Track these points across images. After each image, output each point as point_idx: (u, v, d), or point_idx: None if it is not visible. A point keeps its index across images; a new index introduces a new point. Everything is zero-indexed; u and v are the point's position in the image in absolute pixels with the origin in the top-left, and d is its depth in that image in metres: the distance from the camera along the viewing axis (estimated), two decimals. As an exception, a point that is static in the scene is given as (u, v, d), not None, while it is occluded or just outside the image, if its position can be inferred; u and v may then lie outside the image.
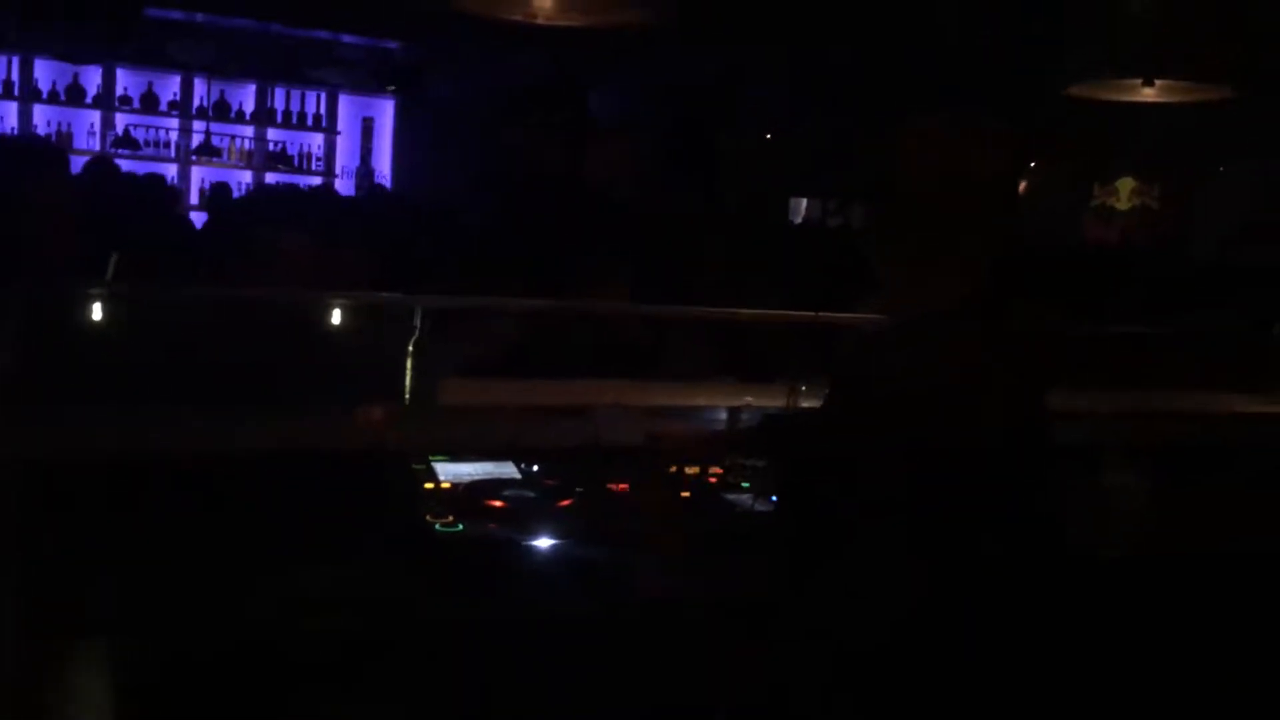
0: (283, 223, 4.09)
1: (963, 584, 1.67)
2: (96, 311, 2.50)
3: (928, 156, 1.73)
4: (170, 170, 8.75)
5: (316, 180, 9.15)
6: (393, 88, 9.41)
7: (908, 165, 1.75)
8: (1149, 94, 3.28)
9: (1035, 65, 3.54)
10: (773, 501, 2.60)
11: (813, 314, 3.39)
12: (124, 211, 4.37)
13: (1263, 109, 4.26)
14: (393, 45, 9.26)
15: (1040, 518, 1.81)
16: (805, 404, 3.21)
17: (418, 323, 2.82)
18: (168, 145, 8.92)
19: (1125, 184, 9.59)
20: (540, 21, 2.89)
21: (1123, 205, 9.50)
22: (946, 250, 1.73)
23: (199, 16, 8.71)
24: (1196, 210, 8.80)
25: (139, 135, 8.82)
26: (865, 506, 1.69)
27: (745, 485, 2.70)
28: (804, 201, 11.05)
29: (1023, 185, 1.85)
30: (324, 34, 9.09)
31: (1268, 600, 2.62)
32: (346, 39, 9.18)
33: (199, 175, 8.98)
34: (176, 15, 8.63)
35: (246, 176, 9.05)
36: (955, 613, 1.67)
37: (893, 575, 1.68)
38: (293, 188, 8.12)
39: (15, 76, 8.46)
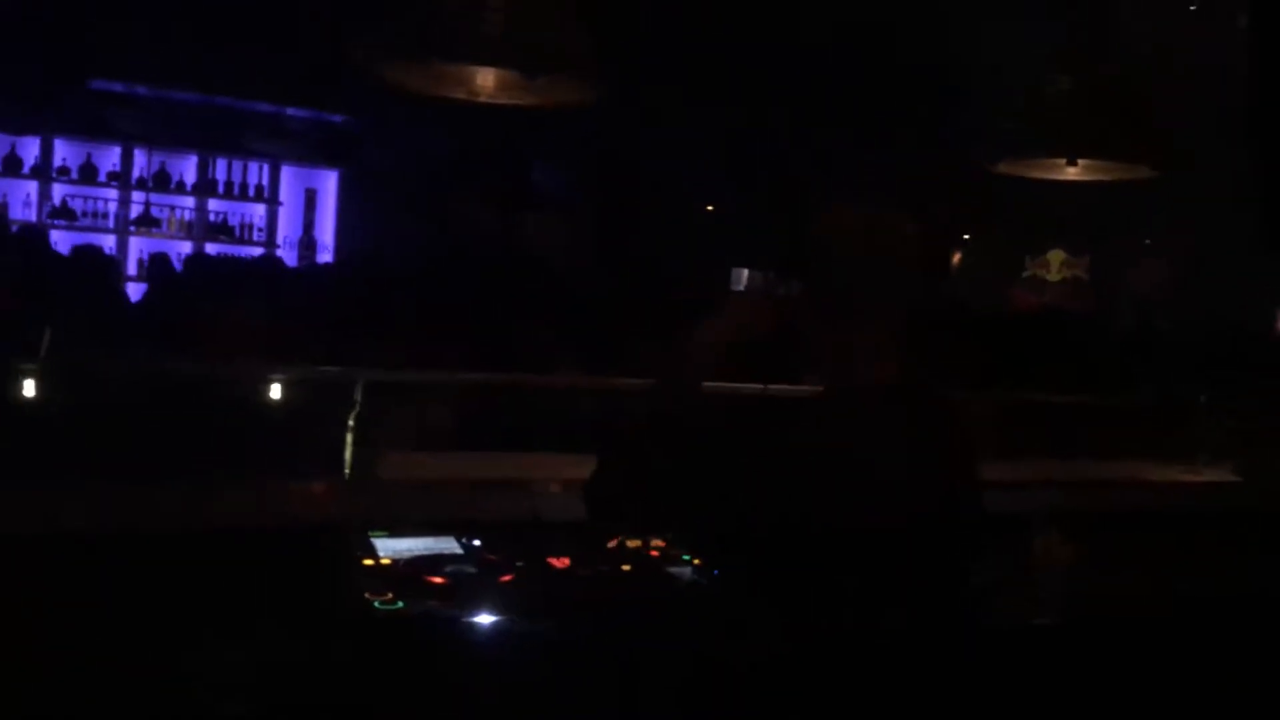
0: (226, 294, 4.06)
1: (889, 653, 1.69)
2: (29, 388, 2.47)
3: (858, 237, 1.79)
4: (109, 241, 8.66)
5: (258, 251, 9.11)
6: (336, 159, 9.42)
7: (839, 245, 1.80)
8: (1073, 173, 3.40)
9: (966, 141, 3.65)
10: (715, 575, 2.61)
11: (760, 385, 3.44)
12: (58, 283, 4.32)
13: (1183, 186, 4.42)
14: (336, 118, 9.29)
15: (970, 586, 1.83)
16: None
17: (359, 396, 2.82)
18: (106, 216, 8.84)
19: (1056, 256, 9.83)
20: (482, 100, 2.93)
21: (1053, 277, 9.74)
22: (880, 323, 1.78)
23: (141, 88, 8.69)
24: (1125, 282, 9.04)
25: (76, 206, 8.73)
26: (792, 575, 1.70)
27: (686, 557, 2.72)
28: (745, 272, 11.18)
29: (956, 257, 1.93)
30: (267, 106, 9.10)
31: (1193, 665, 2.67)
32: (291, 111, 9.20)
33: (137, 246, 8.91)
34: (118, 87, 8.60)
35: (186, 247, 8.99)
36: (883, 681, 1.68)
37: (820, 642, 1.69)
38: (234, 258, 8.08)
39: (-51, 147, 8.38)
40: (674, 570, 2.67)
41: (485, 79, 2.89)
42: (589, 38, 2.80)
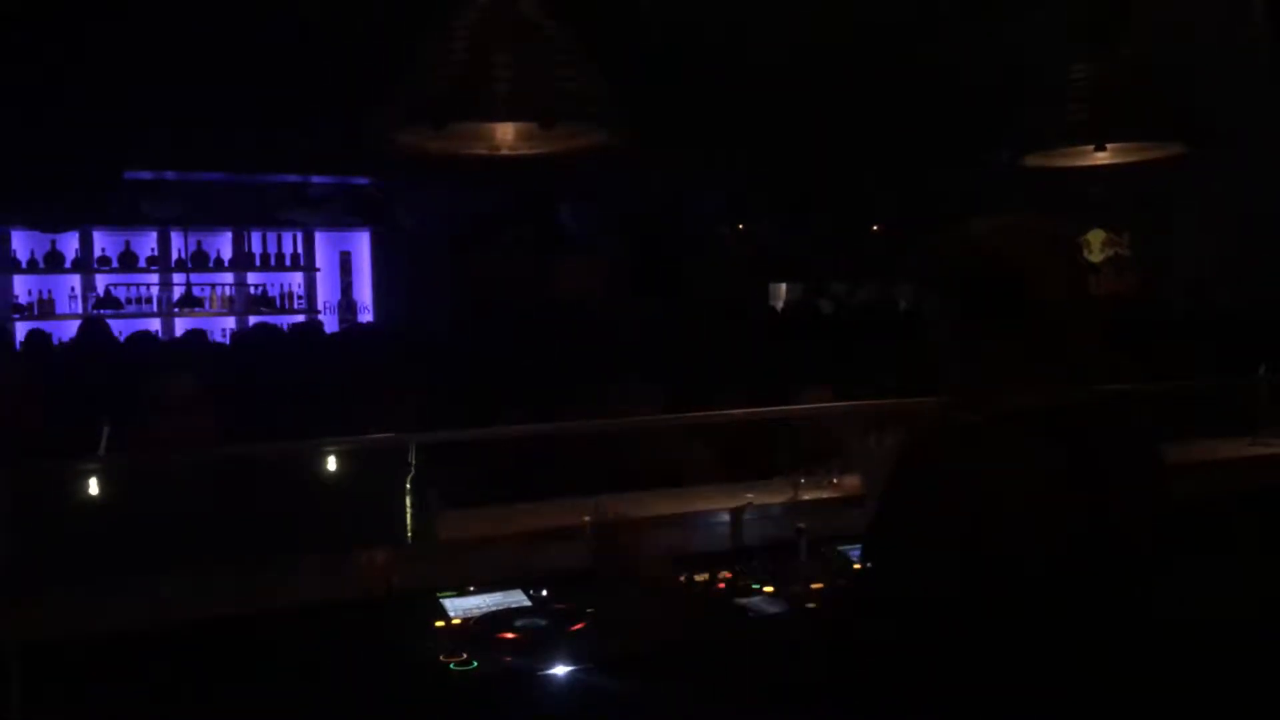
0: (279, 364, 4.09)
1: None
2: (92, 486, 2.50)
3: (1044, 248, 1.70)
4: (154, 325, 8.81)
5: (300, 319, 9.22)
6: (366, 220, 9.52)
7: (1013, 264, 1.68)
8: (1102, 158, 3.36)
9: (989, 138, 3.61)
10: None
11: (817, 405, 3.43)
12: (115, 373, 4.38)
13: (1218, 156, 4.35)
14: (362, 181, 9.40)
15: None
16: (808, 496, 3.21)
17: (412, 459, 2.82)
18: (150, 301, 9.00)
19: (1096, 236, 9.67)
20: (505, 153, 2.95)
21: (1095, 257, 9.58)
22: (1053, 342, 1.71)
23: (169, 174, 8.86)
24: (1169, 257, 8.87)
25: (120, 294, 8.90)
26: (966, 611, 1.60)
27: (756, 586, 2.70)
28: (784, 286, 11.17)
29: None
30: (293, 177, 9.24)
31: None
32: (316, 179, 9.33)
33: (181, 326, 9.05)
34: (147, 175, 8.78)
35: (230, 322, 9.12)
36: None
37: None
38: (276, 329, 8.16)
39: (-7, 250, 8.58)
40: (744, 602, 2.65)
41: (504, 133, 2.91)
42: (600, 81, 2.81)
